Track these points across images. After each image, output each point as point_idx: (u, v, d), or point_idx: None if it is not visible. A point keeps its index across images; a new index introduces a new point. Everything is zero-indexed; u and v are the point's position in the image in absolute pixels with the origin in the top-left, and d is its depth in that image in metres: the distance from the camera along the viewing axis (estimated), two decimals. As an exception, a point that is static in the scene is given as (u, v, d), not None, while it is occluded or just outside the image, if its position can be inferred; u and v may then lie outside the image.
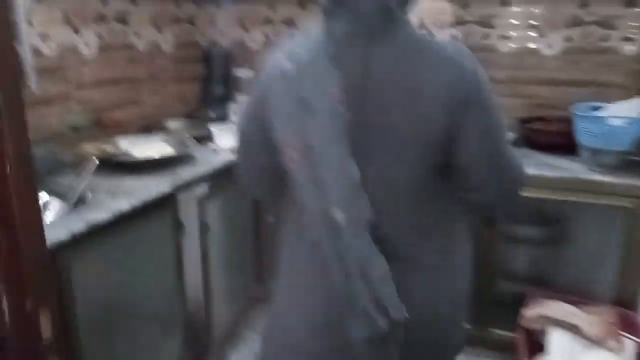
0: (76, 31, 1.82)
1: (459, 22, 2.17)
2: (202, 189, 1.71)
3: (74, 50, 1.81)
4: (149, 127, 2.09)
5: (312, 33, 0.84)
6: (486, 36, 2.19)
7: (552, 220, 1.98)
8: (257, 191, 1.09)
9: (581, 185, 1.67)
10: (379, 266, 0.81)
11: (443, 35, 2.18)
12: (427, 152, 0.83)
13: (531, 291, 1.77)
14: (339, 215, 0.80)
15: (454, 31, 1.92)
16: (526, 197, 1.58)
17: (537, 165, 1.77)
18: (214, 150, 1.92)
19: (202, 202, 1.71)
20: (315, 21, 0.85)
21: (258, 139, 0.92)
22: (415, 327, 0.84)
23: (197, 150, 1.85)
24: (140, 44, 2.14)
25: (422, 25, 2.24)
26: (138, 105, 2.15)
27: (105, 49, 1.95)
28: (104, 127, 1.94)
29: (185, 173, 1.65)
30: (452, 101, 0.80)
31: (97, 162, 1.47)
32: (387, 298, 0.81)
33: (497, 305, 1.89)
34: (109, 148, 1.68)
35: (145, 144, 1.79)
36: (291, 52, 0.83)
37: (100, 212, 1.30)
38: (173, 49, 2.34)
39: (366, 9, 0.80)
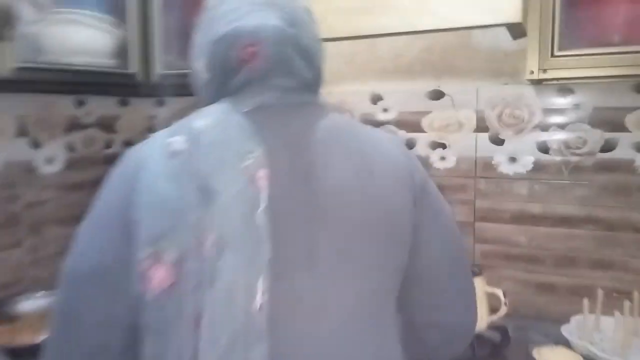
0: None
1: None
2: None
3: None
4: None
5: (209, 111, 0.62)
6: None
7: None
8: None
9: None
10: None
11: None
12: (387, 249, 0.64)
13: None
14: None
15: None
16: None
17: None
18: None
19: None
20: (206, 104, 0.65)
21: (117, 264, 0.56)
22: None
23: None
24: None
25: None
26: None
27: None
28: None
29: None
30: (409, 184, 0.67)
31: None
32: None
33: None
34: None
35: None
36: (181, 129, 0.60)
37: None
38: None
39: (281, 83, 0.65)
